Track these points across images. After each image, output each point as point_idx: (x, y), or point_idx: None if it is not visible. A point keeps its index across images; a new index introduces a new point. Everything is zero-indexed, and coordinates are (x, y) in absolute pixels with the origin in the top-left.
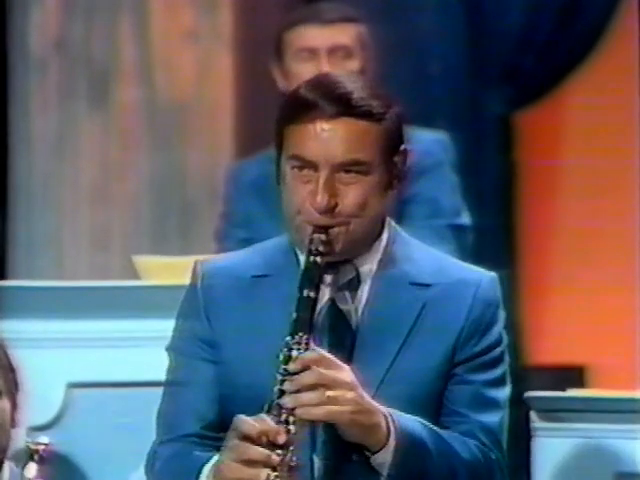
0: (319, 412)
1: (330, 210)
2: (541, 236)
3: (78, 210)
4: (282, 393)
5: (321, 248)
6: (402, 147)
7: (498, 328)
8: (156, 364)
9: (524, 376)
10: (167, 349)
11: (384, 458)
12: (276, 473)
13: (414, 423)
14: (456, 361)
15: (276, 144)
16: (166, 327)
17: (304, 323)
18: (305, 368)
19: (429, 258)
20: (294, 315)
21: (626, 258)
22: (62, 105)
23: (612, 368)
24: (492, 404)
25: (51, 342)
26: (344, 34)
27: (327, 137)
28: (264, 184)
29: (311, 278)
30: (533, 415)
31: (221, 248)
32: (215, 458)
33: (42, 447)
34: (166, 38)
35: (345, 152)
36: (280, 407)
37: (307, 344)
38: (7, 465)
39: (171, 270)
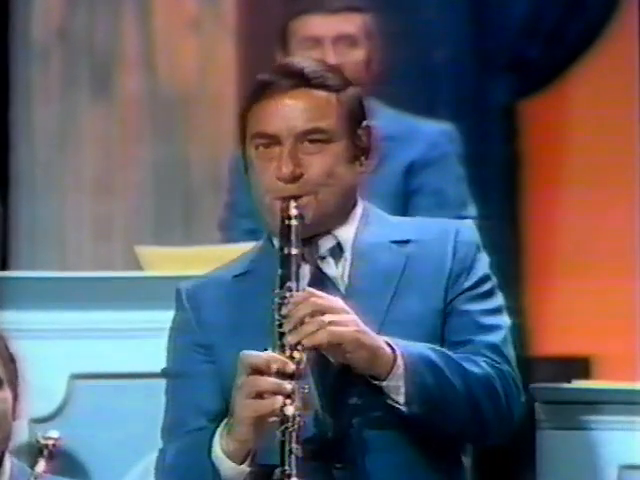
0: (323, 335)
1: (296, 179)
2: (545, 226)
3: (80, 200)
4: (282, 336)
5: (293, 212)
6: (365, 123)
7: (484, 265)
8: (159, 355)
9: (529, 367)
10: (163, 371)
11: (397, 382)
12: (290, 400)
13: (418, 345)
14: (450, 298)
15: (239, 135)
16: (169, 318)
17: (289, 276)
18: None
19: (405, 221)
20: (279, 271)
21: (631, 248)
22: (64, 94)
23: (617, 359)
24: (493, 327)
25: (53, 333)
26: (349, 23)
27: (286, 109)
28: None
29: (288, 237)
30: (538, 406)
31: (226, 238)
32: (223, 423)
33: (52, 442)
34: (169, 27)
35: (305, 121)
36: (283, 347)
37: (296, 291)
38: (8, 458)
39: (174, 261)
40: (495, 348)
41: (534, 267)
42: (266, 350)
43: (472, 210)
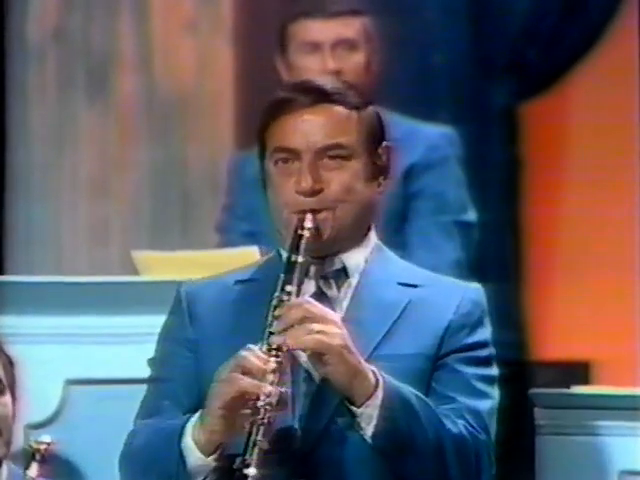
0: (309, 339)
1: (315, 193)
2: (545, 230)
3: (77, 204)
4: (270, 335)
5: (308, 224)
6: (385, 143)
7: (487, 331)
8: None
9: (529, 372)
10: (150, 360)
11: (371, 413)
12: (264, 396)
13: (403, 386)
14: (445, 351)
15: (259, 151)
16: None
17: (290, 281)
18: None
19: (415, 268)
20: (282, 276)
21: (632, 253)
22: (60, 96)
23: (617, 365)
24: (483, 394)
25: (49, 338)
26: (349, 27)
27: (306, 125)
28: None
29: (297, 246)
30: (537, 412)
31: (224, 240)
32: (198, 413)
33: (44, 446)
34: (166, 29)
35: (325, 137)
36: (269, 346)
37: (295, 296)
38: (5, 462)
39: (171, 265)
40: (478, 415)
41: (534, 271)
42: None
43: (472, 214)
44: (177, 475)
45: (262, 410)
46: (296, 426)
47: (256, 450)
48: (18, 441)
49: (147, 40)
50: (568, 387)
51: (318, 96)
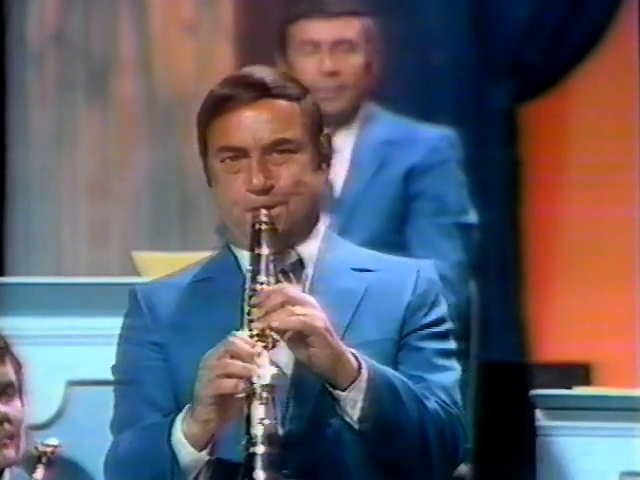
0: (293, 320)
1: (267, 190)
2: (546, 231)
3: (77, 205)
4: (251, 322)
5: (263, 218)
6: (325, 131)
7: (444, 307)
8: None
9: (529, 374)
10: (113, 367)
11: (355, 396)
12: (257, 377)
13: (382, 366)
14: (406, 331)
15: (200, 148)
16: None
17: (259, 271)
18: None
19: (364, 251)
20: (249, 269)
21: (633, 254)
22: (60, 98)
23: (617, 366)
24: (446, 369)
25: (50, 339)
26: (348, 28)
27: (251, 121)
28: None
29: (258, 240)
30: (538, 413)
31: (223, 241)
32: (186, 407)
33: (51, 449)
34: (166, 30)
35: (272, 132)
36: (252, 332)
37: (268, 285)
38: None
39: (171, 266)
40: (446, 390)
41: (535, 272)
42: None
43: (473, 216)
44: (172, 474)
45: (259, 390)
46: (279, 420)
47: (261, 428)
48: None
49: (147, 41)
50: (569, 388)
51: (259, 91)
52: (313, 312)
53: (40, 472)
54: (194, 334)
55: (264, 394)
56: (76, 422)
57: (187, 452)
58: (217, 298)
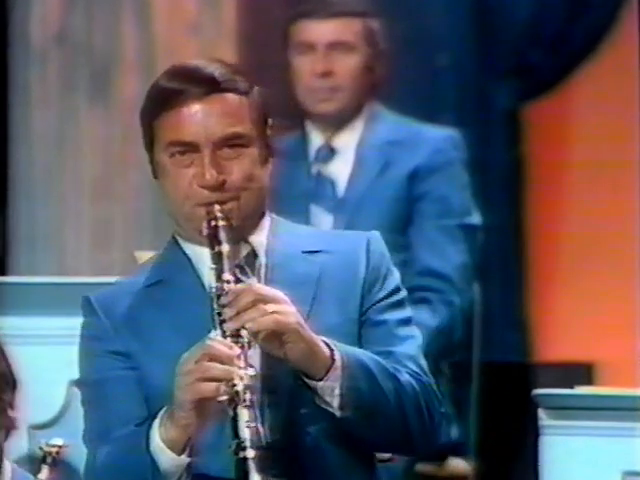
0: (268, 320)
1: (220, 186)
2: (548, 232)
3: (79, 205)
4: (222, 323)
5: (219, 214)
6: (270, 122)
7: (396, 277)
8: None
9: (532, 373)
10: (78, 381)
11: (332, 384)
12: (238, 380)
13: (354, 349)
14: (365, 307)
15: (145, 140)
16: None
17: (223, 269)
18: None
19: (314, 231)
20: (212, 267)
21: (636, 254)
22: (63, 98)
23: (620, 365)
24: (408, 338)
25: (52, 339)
26: (346, 29)
27: (202, 116)
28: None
29: (216, 237)
30: (541, 412)
31: None
32: (162, 412)
33: (56, 449)
34: (169, 30)
35: (224, 127)
36: (224, 334)
37: (235, 282)
38: (9, 465)
39: None
40: (413, 359)
41: (537, 272)
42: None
43: (477, 218)
44: None
45: (242, 393)
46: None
47: (248, 432)
48: (22, 443)
49: (150, 41)
50: (572, 388)
51: (209, 86)
52: (285, 309)
53: (45, 472)
54: (157, 340)
55: (247, 396)
56: (79, 422)
57: (167, 457)
58: (174, 301)
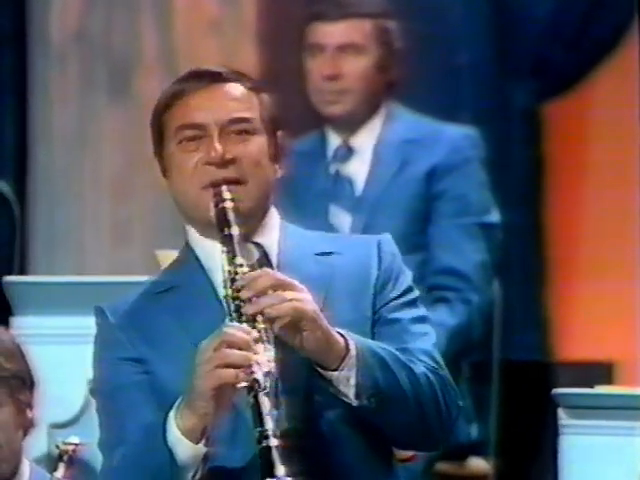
0: (286, 307)
1: (227, 163)
2: (569, 230)
3: (99, 204)
4: (239, 307)
5: (227, 195)
6: (280, 132)
7: (408, 276)
8: None
9: (552, 373)
10: (92, 390)
11: (347, 374)
12: (258, 367)
13: (367, 340)
14: (378, 306)
15: (156, 140)
16: None
17: (235, 252)
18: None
19: (321, 235)
20: (224, 250)
21: None
22: (82, 97)
23: None
24: (423, 334)
25: (72, 338)
26: (357, 30)
27: (209, 101)
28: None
29: (225, 218)
30: (561, 412)
31: None
32: (177, 402)
33: (72, 447)
34: (189, 28)
35: (230, 110)
36: (240, 317)
37: (250, 267)
38: (27, 463)
39: None
40: (428, 354)
41: (557, 272)
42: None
43: (495, 216)
44: (170, 473)
45: (262, 380)
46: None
47: (270, 420)
48: (41, 442)
49: (170, 40)
50: (591, 387)
51: (212, 78)
52: (303, 296)
53: (61, 470)
54: (172, 347)
55: (267, 383)
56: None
57: (185, 447)
58: (185, 306)
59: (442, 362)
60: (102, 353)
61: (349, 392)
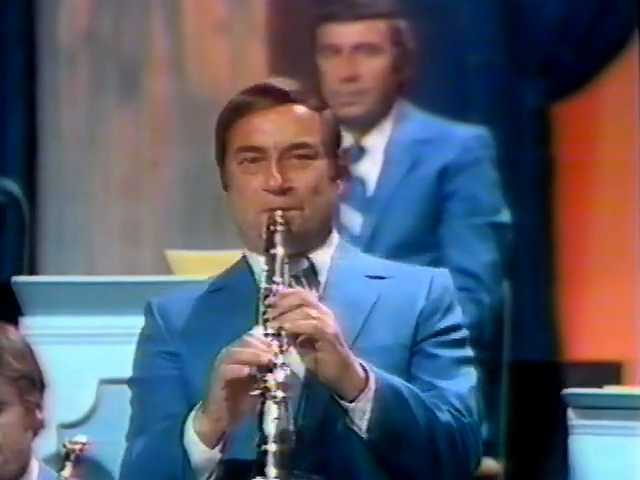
0: (307, 324)
1: (284, 191)
2: (578, 230)
3: (109, 204)
4: (266, 322)
5: (279, 220)
6: (342, 147)
7: (459, 315)
8: None
9: (561, 373)
10: (129, 380)
11: (364, 407)
12: (271, 375)
13: (391, 376)
14: (420, 337)
15: (217, 153)
16: None
17: (274, 271)
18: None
19: (380, 260)
20: (265, 268)
21: None
22: (92, 98)
23: None
24: (461, 376)
25: (82, 338)
26: (372, 31)
27: (272, 124)
28: None
29: (272, 240)
30: (570, 412)
31: None
32: (197, 405)
33: (79, 446)
34: (199, 29)
35: (292, 135)
36: (266, 332)
37: (284, 285)
38: (37, 464)
39: (204, 264)
40: (460, 398)
41: (567, 272)
42: None
43: (506, 216)
44: (183, 474)
45: (273, 388)
46: (291, 419)
47: (274, 425)
48: (51, 442)
49: (179, 40)
50: (601, 387)
51: (278, 97)
52: (325, 318)
53: (68, 469)
54: (208, 344)
55: (278, 393)
56: (108, 420)
57: (199, 450)
58: (230, 307)
59: (474, 407)
60: (143, 345)
61: (362, 425)
